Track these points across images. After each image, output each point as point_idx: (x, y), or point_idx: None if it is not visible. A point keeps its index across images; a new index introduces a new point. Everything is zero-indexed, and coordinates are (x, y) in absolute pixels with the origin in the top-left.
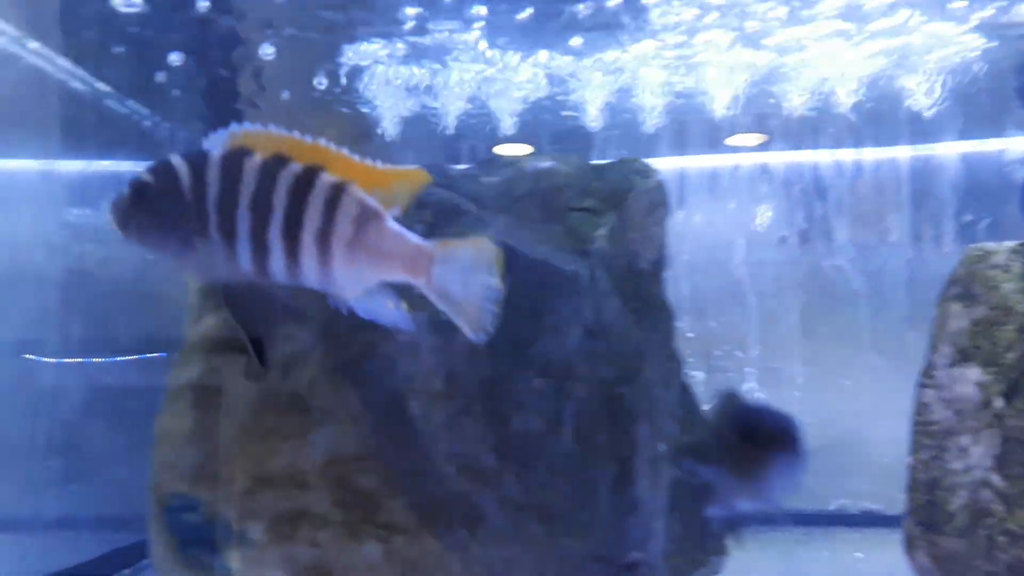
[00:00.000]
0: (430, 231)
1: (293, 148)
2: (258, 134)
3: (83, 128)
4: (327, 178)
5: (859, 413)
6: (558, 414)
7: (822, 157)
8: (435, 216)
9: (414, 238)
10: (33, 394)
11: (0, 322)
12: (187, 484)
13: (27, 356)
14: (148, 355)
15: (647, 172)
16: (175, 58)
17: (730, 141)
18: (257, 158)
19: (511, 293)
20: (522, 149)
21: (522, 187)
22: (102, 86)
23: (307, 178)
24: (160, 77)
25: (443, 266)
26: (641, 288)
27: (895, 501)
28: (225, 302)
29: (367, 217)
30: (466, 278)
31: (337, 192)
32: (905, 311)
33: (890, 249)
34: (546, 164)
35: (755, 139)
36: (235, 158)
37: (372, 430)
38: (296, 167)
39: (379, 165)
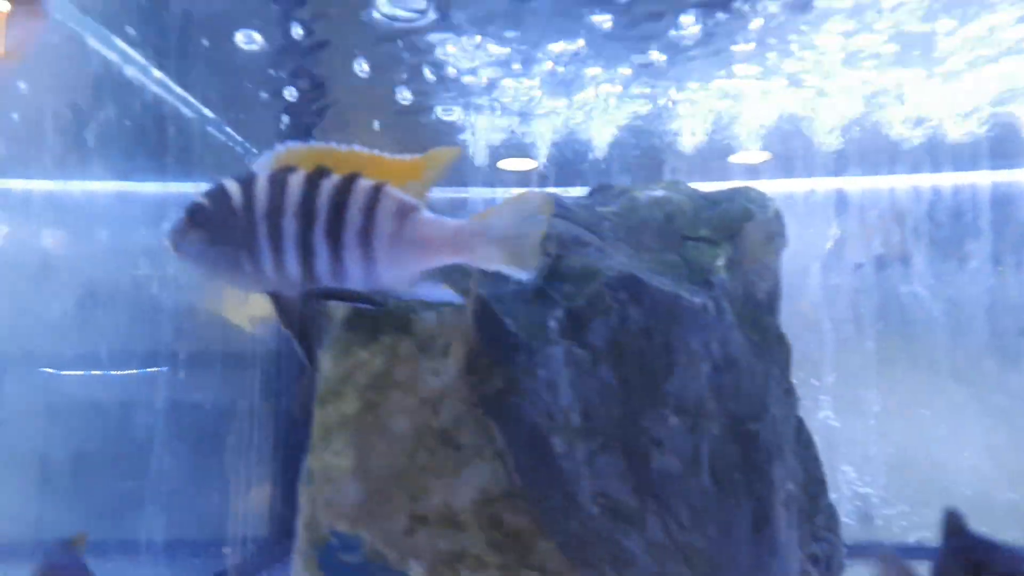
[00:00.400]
0: (555, 263)
1: (332, 159)
2: (300, 150)
3: (191, 153)
4: (364, 182)
5: (938, 443)
6: (695, 452)
7: (899, 182)
8: (559, 247)
9: (451, 222)
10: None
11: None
12: (348, 523)
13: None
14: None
15: (763, 201)
16: (287, 93)
17: (733, 159)
18: (300, 173)
19: (643, 328)
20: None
21: (637, 216)
22: (208, 112)
23: (346, 185)
24: (261, 103)
25: (485, 237)
26: (759, 320)
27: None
28: (277, 313)
29: (404, 212)
30: (508, 235)
31: (374, 193)
32: (984, 339)
33: (969, 276)
34: (659, 193)
35: (759, 156)
36: (281, 175)
37: (518, 468)
38: (335, 177)
39: (407, 158)
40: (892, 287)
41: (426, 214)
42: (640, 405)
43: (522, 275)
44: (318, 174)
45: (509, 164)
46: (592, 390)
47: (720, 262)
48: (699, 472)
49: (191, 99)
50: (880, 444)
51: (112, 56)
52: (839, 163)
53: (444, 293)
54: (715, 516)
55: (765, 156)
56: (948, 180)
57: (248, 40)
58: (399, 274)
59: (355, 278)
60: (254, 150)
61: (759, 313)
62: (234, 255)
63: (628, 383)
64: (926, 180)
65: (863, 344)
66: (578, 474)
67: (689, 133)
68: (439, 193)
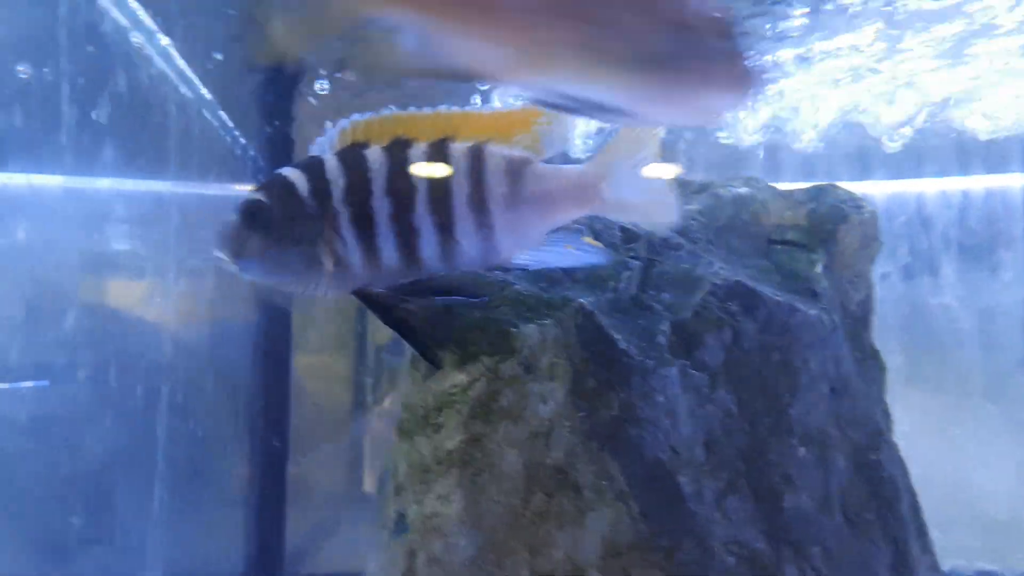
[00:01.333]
0: (647, 268)
1: (412, 126)
2: (370, 122)
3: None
4: (459, 145)
5: (970, 464)
6: (826, 488)
7: (927, 187)
8: (648, 250)
9: (572, 169)
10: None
11: None
12: None
13: None
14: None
15: (856, 201)
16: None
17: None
18: (376, 148)
19: (759, 344)
20: None
21: (722, 216)
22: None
23: (439, 150)
24: None
25: (611, 180)
26: (856, 334)
27: (1013, 560)
28: (376, 313)
29: (517, 167)
30: (636, 178)
31: (475, 155)
32: (1018, 354)
33: (1002, 286)
34: (743, 190)
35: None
36: (354, 152)
37: (643, 512)
38: (423, 145)
39: (511, 109)
40: (920, 298)
41: (541, 165)
42: (765, 435)
43: (664, 224)
44: (400, 145)
45: None
46: (713, 418)
47: (819, 269)
48: (832, 511)
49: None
50: (908, 465)
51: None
52: (862, 168)
53: (587, 250)
54: (853, 561)
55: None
56: (979, 184)
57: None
58: (521, 240)
59: (471, 254)
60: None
61: (856, 327)
62: (312, 255)
63: (749, 409)
64: (955, 184)
65: (889, 358)
66: (710, 519)
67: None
68: None
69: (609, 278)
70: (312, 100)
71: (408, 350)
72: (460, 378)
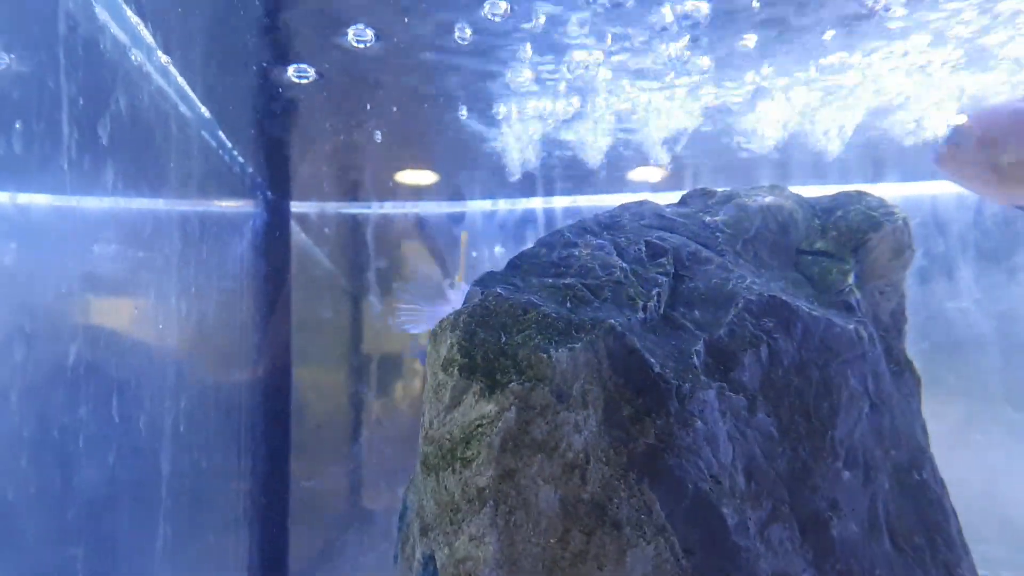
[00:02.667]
0: (675, 283)
1: None
2: None
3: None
4: None
5: (992, 472)
6: (872, 513)
7: (942, 189)
8: (676, 265)
9: None
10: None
11: None
12: None
13: None
14: None
15: (887, 208)
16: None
17: (632, 175)
18: None
19: (797, 362)
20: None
21: (750, 227)
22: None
23: None
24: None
25: None
26: (890, 347)
27: None
28: None
29: None
30: None
31: None
32: None
33: (1021, 288)
34: (768, 199)
35: (657, 174)
36: None
37: (684, 547)
38: None
39: None
40: (937, 302)
41: None
42: (808, 458)
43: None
44: None
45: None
46: (754, 443)
47: (851, 280)
48: (880, 537)
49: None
50: None
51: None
52: (876, 170)
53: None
54: None
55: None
56: None
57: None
58: None
59: None
60: (239, 157)
61: (889, 338)
62: None
63: (790, 432)
64: None
65: None
66: (755, 552)
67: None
68: None
69: (638, 296)
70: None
71: (449, 377)
72: (488, 408)
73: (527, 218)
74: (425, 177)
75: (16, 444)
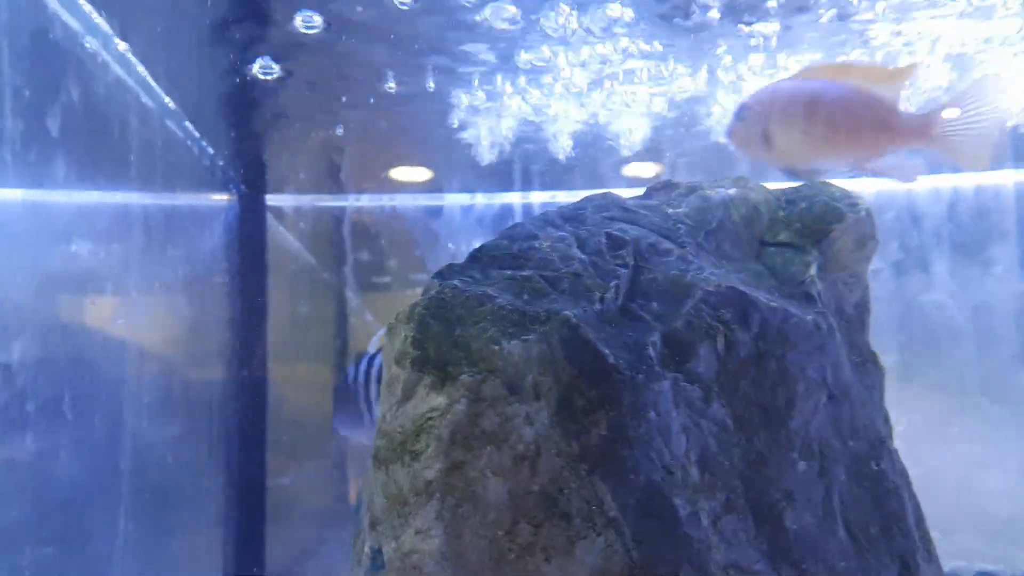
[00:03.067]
0: (634, 275)
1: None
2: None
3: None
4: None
5: (968, 463)
6: (827, 503)
7: (916, 183)
8: (636, 256)
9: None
10: None
11: None
12: None
13: None
14: None
15: (851, 200)
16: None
17: (627, 171)
18: None
19: (753, 353)
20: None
21: (712, 219)
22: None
23: None
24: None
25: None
26: (853, 338)
27: (1014, 559)
28: None
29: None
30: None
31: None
32: (1015, 349)
33: (995, 281)
34: (732, 191)
35: (653, 169)
36: None
37: (635, 538)
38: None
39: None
40: (912, 294)
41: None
42: (763, 449)
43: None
44: None
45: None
46: (708, 434)
47: (813, 271)
48: (834, 527)
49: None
50: (907, 466)
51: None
52: None
53: None
54: None
55: None
56: (970, 180)
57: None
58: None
59: None
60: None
61: (851, 330)
62: None
63: (745, 423)
64: (946, 181)
65: (883, 357)
66: (707, 543)
67: None
68: None
69: (595, 288)
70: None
71: (402, 370)
72: (439, 400)
73: (505, 213)
74: (405, 173)
75: None
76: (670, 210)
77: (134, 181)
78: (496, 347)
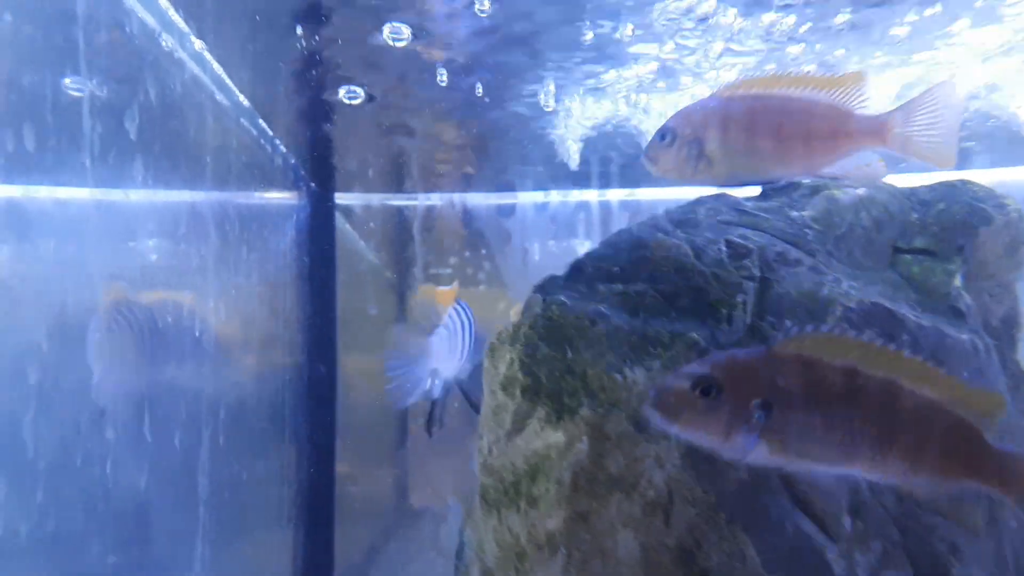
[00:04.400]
0: (762, 289)
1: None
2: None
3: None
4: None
5: None
6: (998, 553)
7: None
8: (761, 267)
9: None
10: None
11: None
12: None
13: None
14: None
15: (996, 200)
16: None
17: None
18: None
19: None
20: None
21: (841, 223)
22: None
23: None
24: None
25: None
26: (1002, 356)
27: None
28: None
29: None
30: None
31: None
32: None
33: None
34: (861, 191)
35: None
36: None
37: None
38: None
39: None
40: None
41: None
42: None
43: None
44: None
45: None
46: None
47: (958, 281)
48: None
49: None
50: None
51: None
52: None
53: None
54: None
55: None
56: None
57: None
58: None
59: None
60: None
61: (1000, 348)
62: None
63: None
64: None
65: None
66: None
67: None
68: None
69: (721, 304)
70: (348, 101)
71: (511, 399)
72: (556, 437)
73: (581, 211)
74: (473, 168)
75: (58, 441)
76: (794, 213)
77: (209, 182)
78: (618, 376)
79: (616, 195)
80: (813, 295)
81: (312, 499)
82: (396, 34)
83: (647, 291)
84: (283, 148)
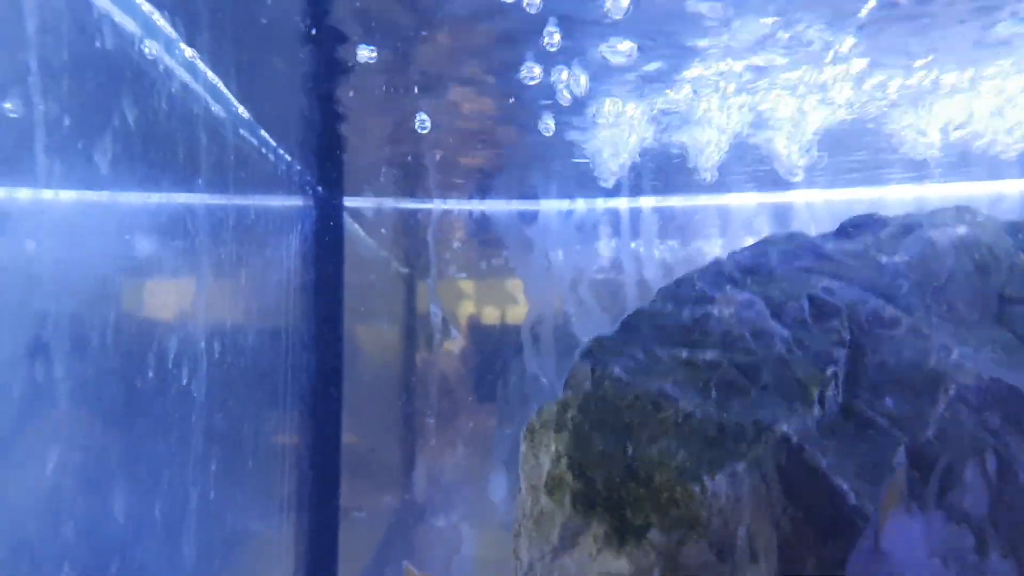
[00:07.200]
0: (853, 357)
1: None
2: None
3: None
4: None
5: None
6: None
7: None
8: (852, 330)
9: None
10: None
11: None
12: None
13: None
14: None
15: None
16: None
17: None
18: None
19: None
20: None
21: (941, 271)
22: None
23: None
24: None
25: None
26: None
27: None
28: None
29: None
30: None
31: None
32: None
33: None
34: (961, 230)
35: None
36: None
37: None
38: None
39: None
40: None
41: None
42: None
43: None
44: None
45: None
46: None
47: None
48: None
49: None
50: None
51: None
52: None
53: None
54: None
55: None
56: None
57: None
58: None
59: None
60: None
61: None
62: None
63: None
64: None
65: None
66: None
67: None
68: None
69: (810, 381)
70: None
71: (560, 510)
72: (619, 566)
73: (609, 219)
74: (494, 172)
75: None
76: (884, 259)
77: (204, 189)
78: (695, 486)
79: (647, 202)
80: (918, 366)
81: (316, 531)
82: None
83: (720, 361)
84: (287, 156)
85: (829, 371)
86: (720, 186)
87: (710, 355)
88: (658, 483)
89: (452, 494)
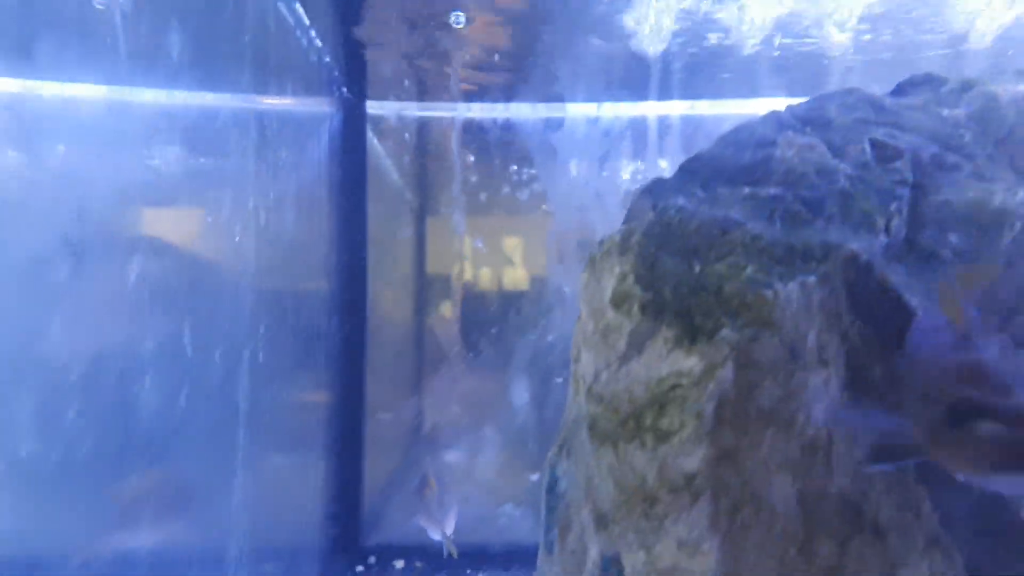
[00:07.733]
0: (916, 197)
1: None
2: None
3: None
4: None
5: None
6: None
7: None
8: (914, 170)
9: None
10: None
11: None
12: None
13: None
14: None
15: None
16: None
17: None
18: None
19: None
20: None
21: (1002, 124)
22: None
23: None
24: None
25: None
26: None
27: None
28: None
29: None
30: None
31: None
32: None
33: None
34: (1021, 87)
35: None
36: None
37: (971, 565)
38: None
39: None
40: None
41: None
42: None
43: None
44: None
45: None
46: None
47: None
48: None
49: None
50: None
51: None
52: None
53: None
54: None
55: None
56: None
57: None
58: None
59: None
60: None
61: None
62: None
63: None
64: None
65: None
66: None
67: None
68: None
69: (875, 212)
70: None
71: (628, 318)
72: (689, 364)
73: (635, 126)
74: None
75: (79, 374)
76: (945, 111)
77: (248, 79)
78: (767, 292)
79: (678, 108)
80: (982, 205)
81: (343, 429)
82: None
83: (784, 195)
84: (319, 42)
85: (893, 206)
86: (751, 90)
87: (773, 190)
88: (728, 292)
89: (471, 396)
